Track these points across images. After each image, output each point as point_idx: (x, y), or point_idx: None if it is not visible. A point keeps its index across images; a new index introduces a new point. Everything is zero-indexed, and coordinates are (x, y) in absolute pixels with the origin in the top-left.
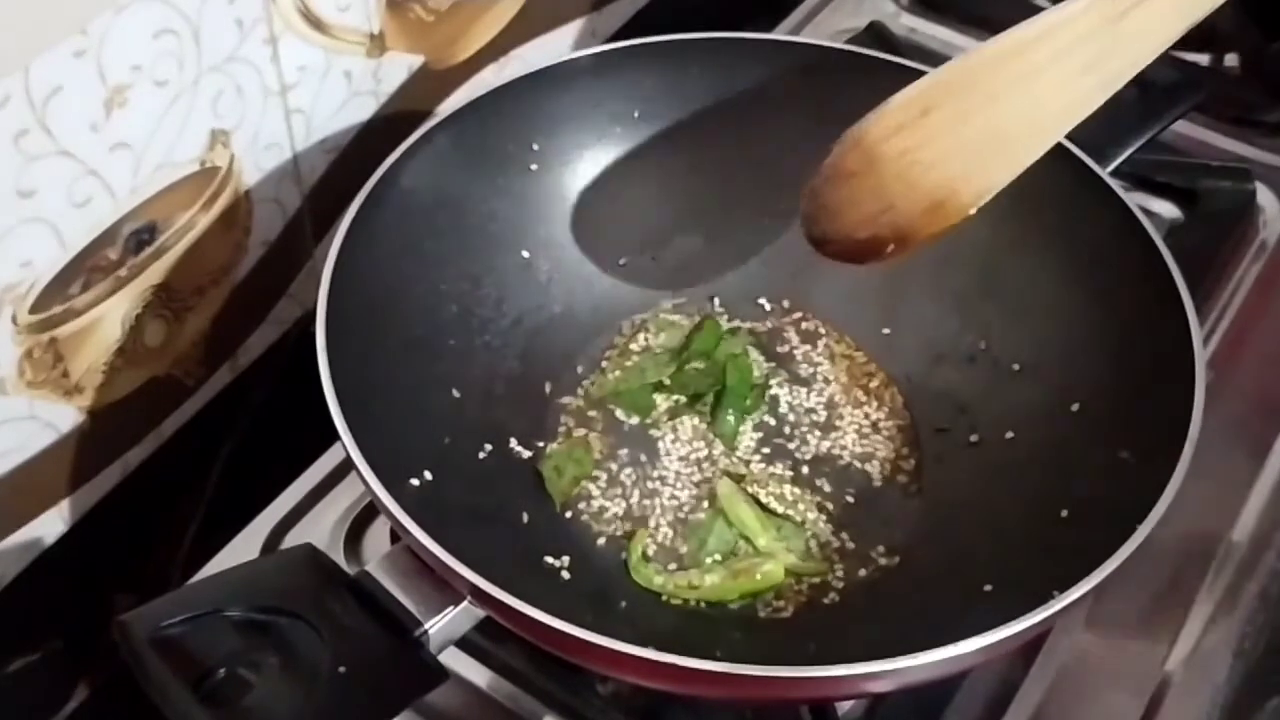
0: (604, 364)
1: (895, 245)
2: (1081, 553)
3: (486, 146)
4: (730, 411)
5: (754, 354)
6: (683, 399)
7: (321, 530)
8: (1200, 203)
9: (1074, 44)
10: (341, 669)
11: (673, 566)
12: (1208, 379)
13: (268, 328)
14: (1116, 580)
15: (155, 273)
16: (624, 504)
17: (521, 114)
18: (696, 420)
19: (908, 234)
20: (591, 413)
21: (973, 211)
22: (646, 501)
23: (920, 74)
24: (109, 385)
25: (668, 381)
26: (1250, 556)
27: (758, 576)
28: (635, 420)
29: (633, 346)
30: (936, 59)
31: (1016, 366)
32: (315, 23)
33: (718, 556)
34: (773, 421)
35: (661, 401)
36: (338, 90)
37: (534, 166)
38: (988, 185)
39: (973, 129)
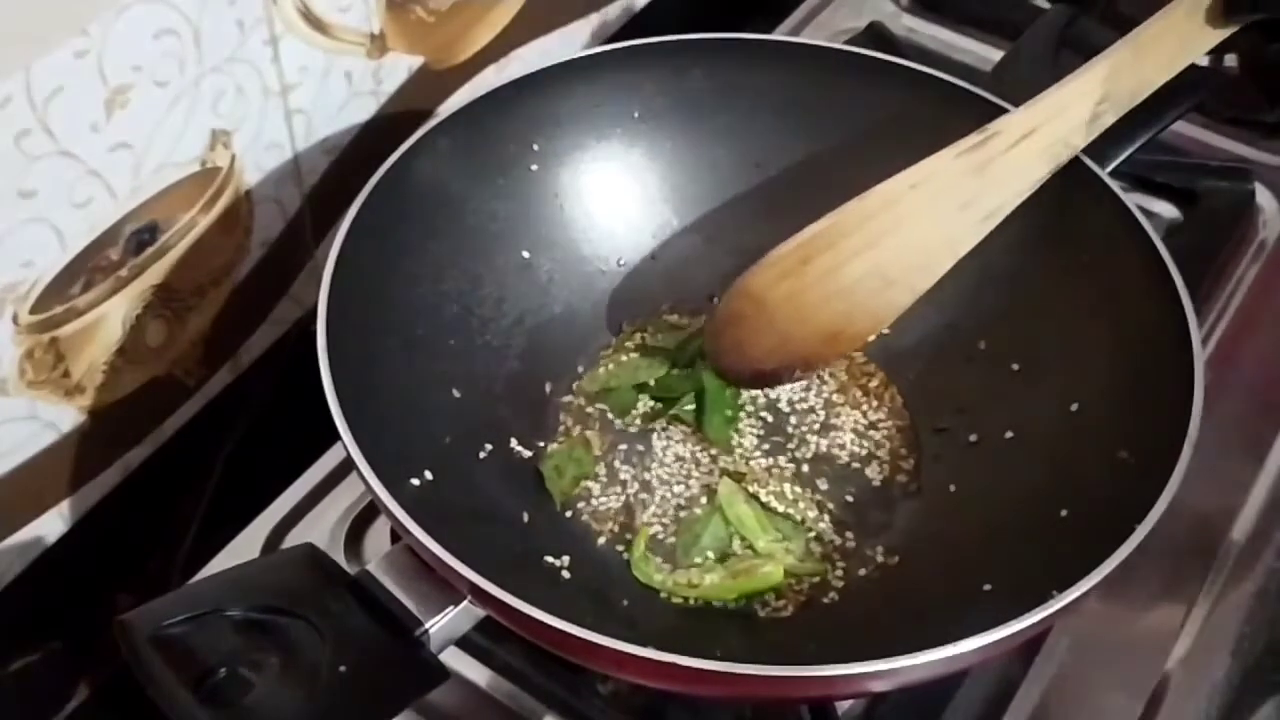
0: (599, 361)
1: (801, 369)
2: (1080, 552)
3: (487, 147)
4: (716, 415)
5: None
6: (660, 403)
7: (322, 530)
8: (1199, 203)
9: (944, 190)
10: (342, 668)
11: (671, 565)
12: (1207, 379)
13: (268, 328)
14: (1115, 580)
15: (156, 273)
16: (624, 503)
17: (522, 114)
18: (688, 421)
19: (810, 360)
20: (591, 412)
21: (870, 339)
22: (647, 500)
23: (921, 74)
24: (110, 385)
25: (652, 383)
26: (1249, 556)
27: (757, 576)
28: (634, 419)
29: (629, 344)
30: (936, 59)
31: (1016, 366)
32: (316, 23)
33: (711, 555)
34: (772, 421)
35: (642, 404)
36: (338, 91)
37: (534, 167)
38: (882, 316)
39: (855, 271)
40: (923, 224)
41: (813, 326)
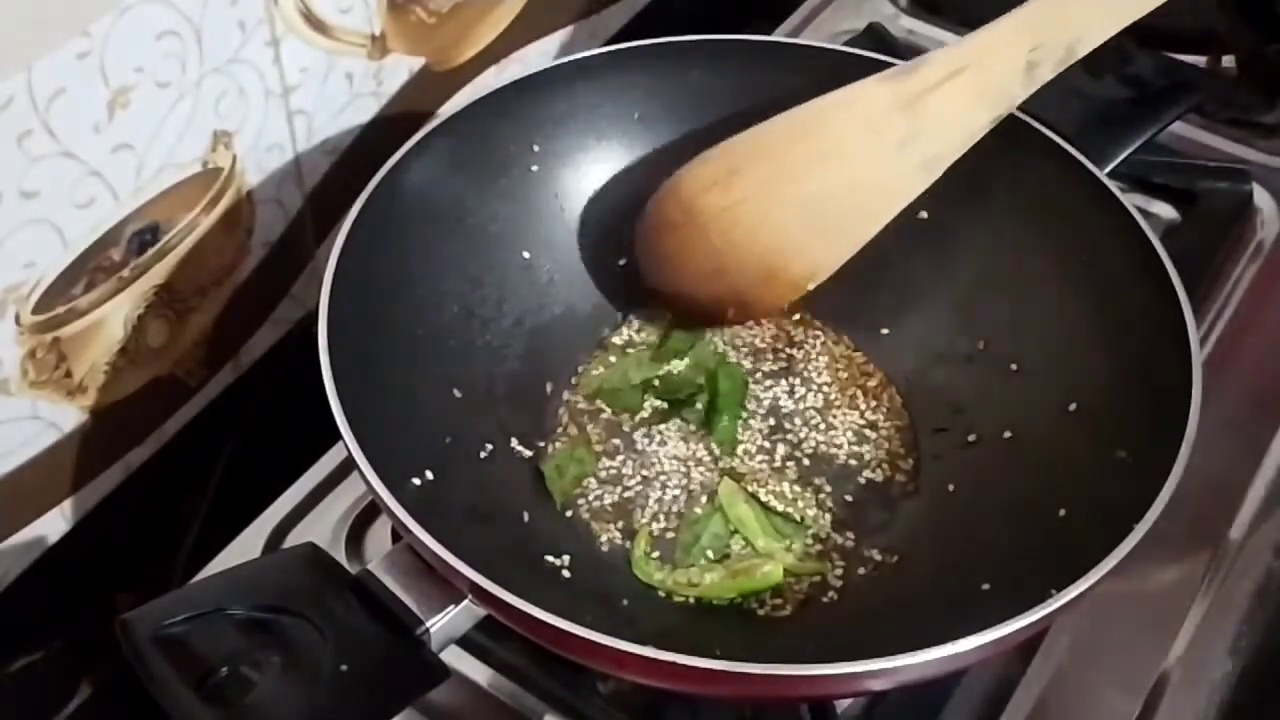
0: (598, 361)
1: (735, 310)
2: (1079, 552)
3: (487, 148)
4: (725, 418)
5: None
6: (668, 404)
7: (323, 529)
8: (1198, 203)
9: (875, 120)
10: (343, 667)
11: (671, 565)
12: (1205, 379)
13: (270, 328)
14: (1114, 579)
15: (158, 273)
16: (625, 502)
17: (522, 115)
18: (692, 420)
19: (746, 301)
20: (592, 411)
21: (810, 288)
22: (647, 499)
23: None
24: (112, 385)
25: (656, 382)
26: (1247, 555)
27: (757, 576)
28: (634, 419)
29: (616, 341)
30: None
31: (1014, 366)
32: (317, 25)
33: (710, 554)
34: (772, 421)
35: (649, 403)
36: (339, 92)
37: (535, 168)
38: (820, 262)
39: (789, 197)
40: (858, 157)
41: (751, 255)
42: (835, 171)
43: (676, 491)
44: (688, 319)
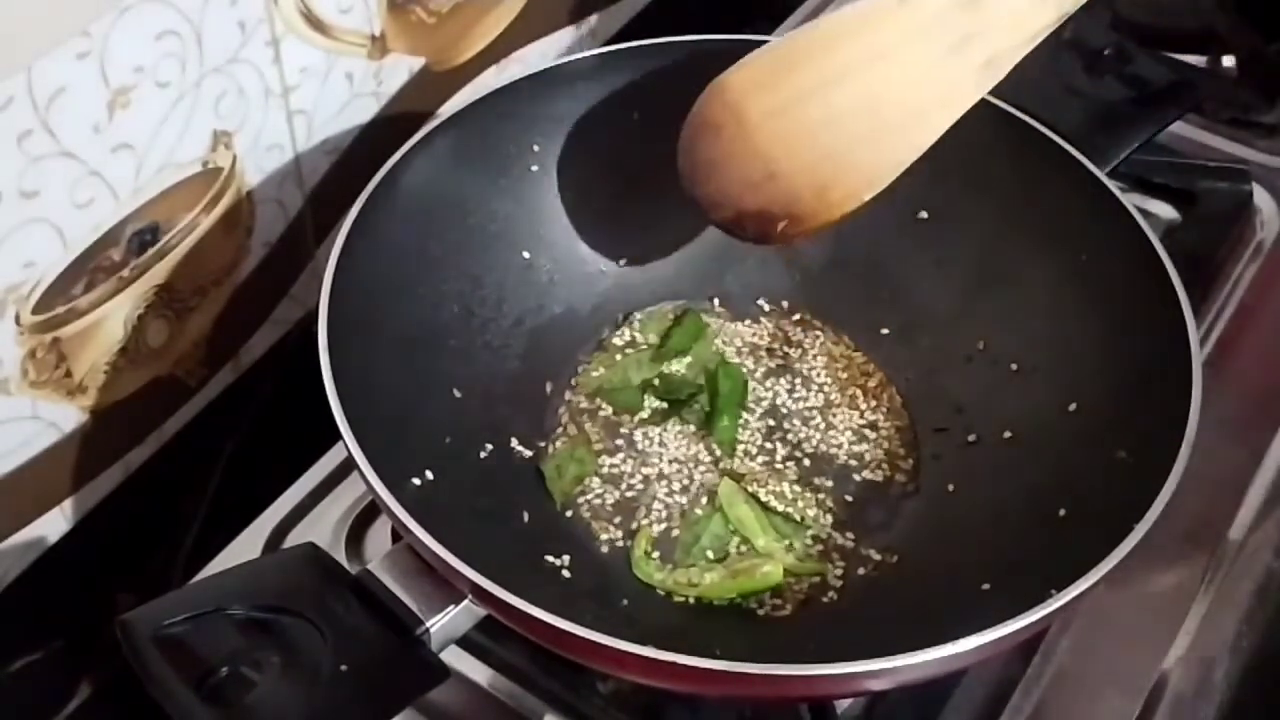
0: (598, 361)
1: (787, 223)
2: (1079, 551)
3: (487, 148)
4: (725, 418)
5: (729, 350)
6: (668, 404)
7: (323, 529)
8: (1197, 203)
9: (928, 24)
10: (343, 667)
11: (671, 565)
12: (1205, 379)
13: (270, 328)
14: (1114, 579)
15: (158, 273)
16: (625, 502)
17: (522, 115)
18: (693, 421)
19: (798, 213)
20: (592, 411)
21: (867, 198)
22: (647, 499)
23: None
24: (111, 385)
25: (657, 382)
26: (1247, 555)
27: (757, 576)
28: (634, 419)
29: (616, 341)
30: None
31: (1014, 366)
32: (317, 24)
33: (710, 555)
34: (772, 421)
35: (650, 402)
36: (339, 92)
37: (534, 167)
38: (877, 171)
39: (843, 100)
40: (913, 58)
41: (800, 162)
42: (889, 73)
43: (676, 492)
44: (735, 234)
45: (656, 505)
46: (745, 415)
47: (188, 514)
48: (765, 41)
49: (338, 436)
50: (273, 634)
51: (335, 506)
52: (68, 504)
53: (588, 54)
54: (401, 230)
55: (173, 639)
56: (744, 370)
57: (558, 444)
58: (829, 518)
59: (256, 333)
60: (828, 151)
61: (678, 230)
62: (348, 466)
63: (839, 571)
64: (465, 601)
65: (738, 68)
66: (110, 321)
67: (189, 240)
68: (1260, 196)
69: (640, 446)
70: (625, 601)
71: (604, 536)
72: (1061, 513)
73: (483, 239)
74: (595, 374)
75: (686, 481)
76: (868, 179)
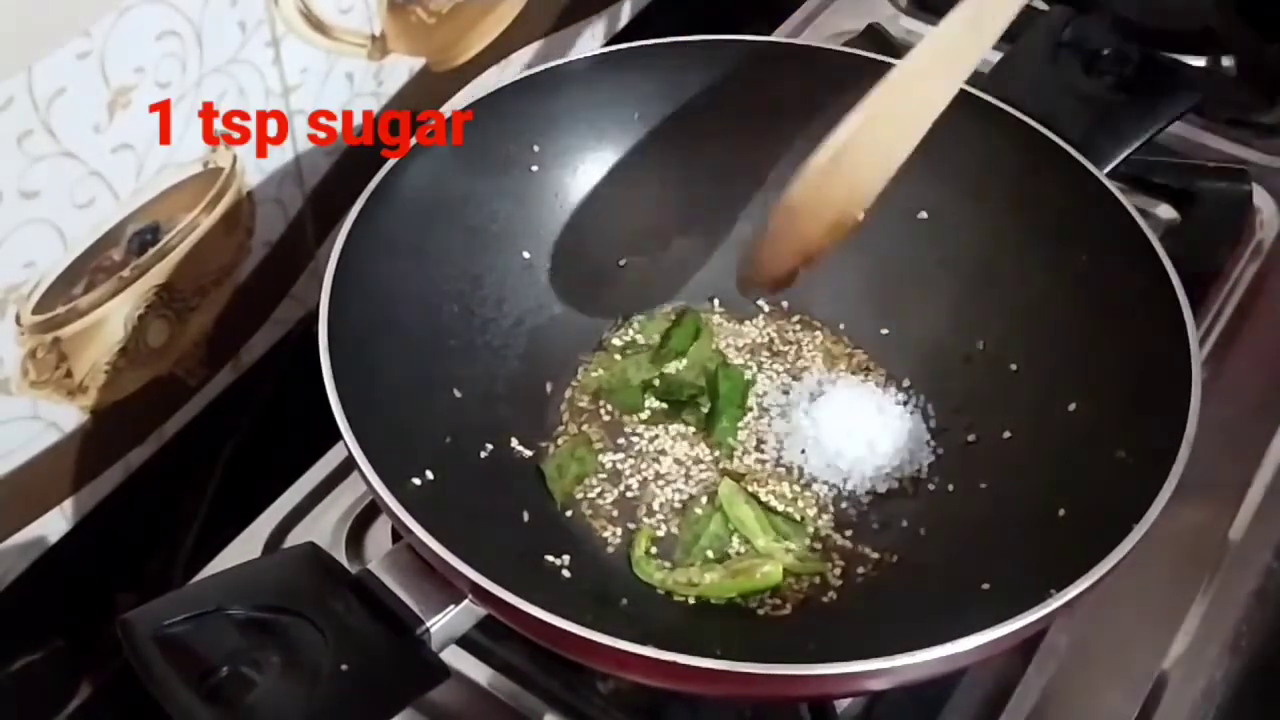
0: (590, 360)
1: (805, 266)
2: (1078, 551)
3: (487, 148)
4: (725, 419)
5: (729, 350)
6: (668, 405)
7: (323, 529)
8: (1197, 204)
9: (948, 54)
10: (344, 667)
11: (671, 564)
12: (1204, 379)
13: (270, 328)
14: (1113, 579)
15: (158, 273)
16: (625, 502)
17: (522, 116)
18: (692, 421)
19: (814, 255)
20: (592, 411)
21: (860, 218)
22: (647, 499)
23: None
24: (112, 385)
25: (657, 383)
26: (1246, 555)
27: (757, 577)
28: (634, 419)
29: (616, 341)
30: None
31: (1014, 366)
32: (317, 25)
33: (710, 554)
34: (772, 421)
35: (650, 403)
36: (340, 92)
37: (535, 168)
38: (870, 193)
39: (874, 155)
40: (924, 91)
41: (824, 220)
42: (906, 114)
43: (676, 491)
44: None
45: (657, 505)
46: (745, 415)
47: (188, 514)
48: (765, 41)
49: (338, 436)
50: (273, 634)
51: (335, 506)
52: (68, 504)
53: (588, 54)
54: (401, 230)
55: (173, 639)
56: (744, 370)
57: (558, 444)
58: (829, 518)
59: (257, 333)
60: (845, 199)
61: (678, 230)
62: (348, 466)
63: (839, 571)
64: (465, 601)
65: (801, 184)
66: (111, 321)
67: (189, 240)
68: (1260, 196)
69: (640, 446)
70: (625, 601)
71: (604, 536)
72: (1061, 513)
73: (483, 239)
74: (595, 374)
75: (686, 481)
76: (864, 202)
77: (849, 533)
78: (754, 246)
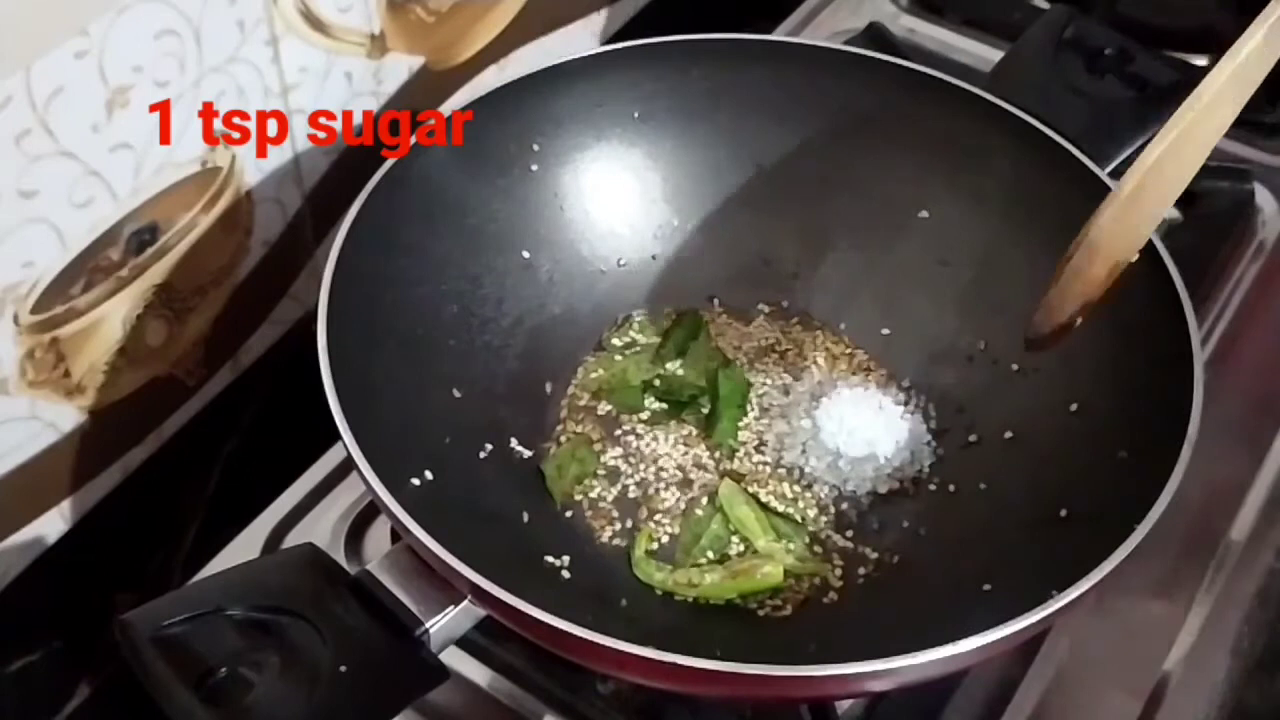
0: (590, 360)
1: (1083, 314)
2: (1080, 552)
3: (487, 147)
4: (726, 419)
5: (729, 350)
6: (669, 405)
7: (322, 530)
8: (1198, 203)
9: (1246, 73)
10: (342, 668)
11: (671, 565)
12: (1206, 379)
13: (269, 328)
14: (1115, 579)
15: (157, 273)
16: (625, 502)
17: (522, 115)
18: (693, 421)
19: (1091, 303)
20: (592, 412)
21: (1134, 260)
22: (647, 499)
23: (920, 74)
24: (110, 385)
25: (657, 383)
26: (1248, 555)
27: (757, 577)
28: (634, 419)
29: (616, 341)
30: (936, 60)
31: (1015, 366)
32: (316, 24)
33: (711, 554)
34: (772, 421)
35: (650, 403)
36: (339, 91)
37: (534, 167)
38: (1149, 232)
39: (1169, 183)
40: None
41: (1115, 257)
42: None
43: (677, 492)
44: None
45: (657, 505)
46: (745, 416)
47: (187, 514)
48: (765, 40)
49: (337, 436)
50: (272, 634)
51: (335, 507)
52: (66, 504)
53: (588, 53)
54: (401, 230)
55: (172, 639)
56: (744, 371)
57: (558, 444)
58: (829, 518)
59: (255, 333)
60: (1129, 239)
61: (678, 230)
62: (347, 466)
63: (839, 572)
64: (465, 602)
65: (1110, 207)
66: (109, 321)
67: (188, 240)
68: (1261, 196)
69: (640, 447)
70: (625, 601)
71: (604, 537)
72: (1062, 513)
73: (482, 238)
74: (595, 374)
75: (687, 482)
76: (1142, 241)
77: (849, 533)
78: (1048, 295)
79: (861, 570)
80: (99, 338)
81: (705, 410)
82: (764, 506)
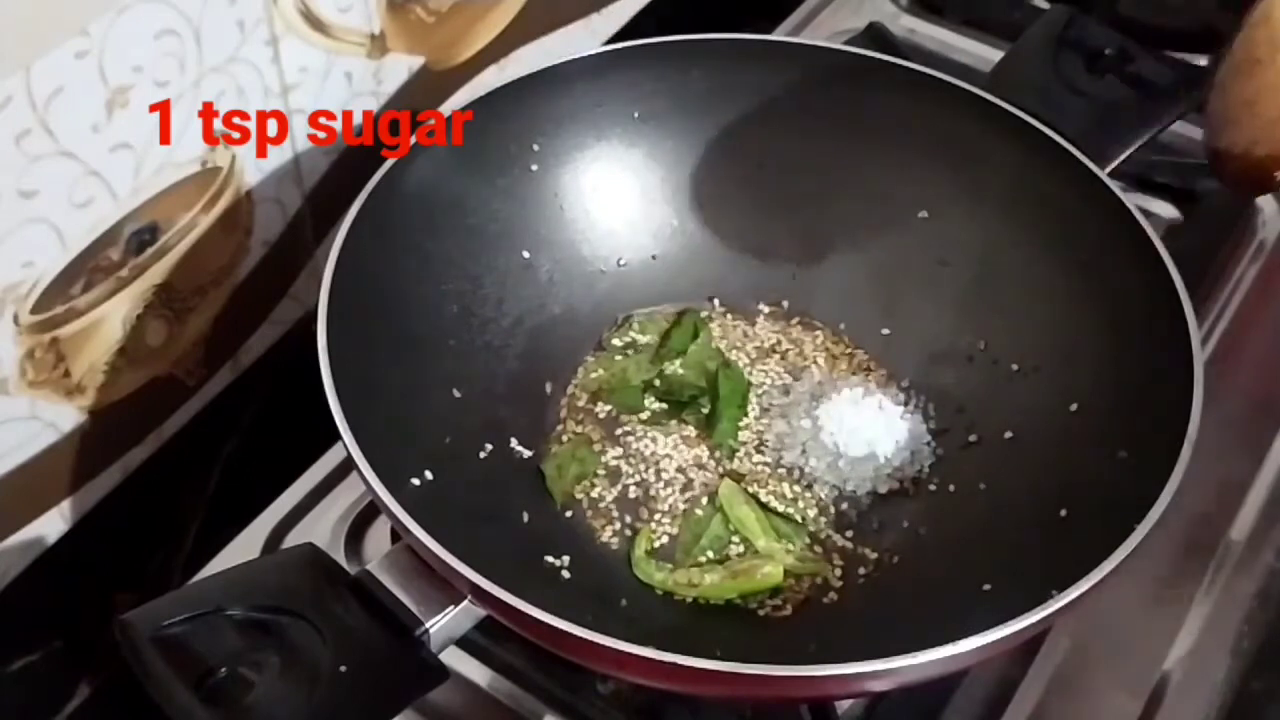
0: (597, 360)
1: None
2: (1080, 552)
3: (487, 147)
4: (726, 419)
5: (729, 350)
6: (669, 405)
7: (322, 530)
8: (1199, 203)
9: None
10: (342, 668)
11: (671, 565)
12: (1206, 379)
13: (269, 328)
14: (1115, 579)
15: (157, 273)
16: (625, 502)
17: (522, 115)
18: (693, 421)
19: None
20: (592, 411)
21: None
22: (647, 500)
23: (920, 74)
24: (110, 385)
25: (657, 383)
26: (1248, 555)
27: (757, 577)
28: (634, 419)
29: (616, 341)
30: (936, 60)
31: (1015, 366)
32: (316, 24)
33: (711, 554)
34: (772, 421)
35: (650, 403)
36: (339, 91)
37: (534, 167)
38: None
39: None
40: None
41: None
42: None
43: (677, 492)
44: (1239, 187)
45: (657, 505)
46: (745, 416)
47: (187, 514)
48: (765, 40)
49: (337, 436)
50: (272, 634)
51: (335, 507)
52: (66, 504)
53: (588, 53)
54: (401, 230)
55: (172, 639)
56: (744, 371)
57: (558, 444)
58: (829, 518)
59: (255, 333)
60: None
61: (678, 230)
62: (347, 466)
63: (839, 572)
64: (465, 602)
65: None
66: (109, 321)
67: (188, 240)
68: (1262, 196)
69: (640, 447)
70: (625, 601)
71: (604, 537)
72: (1062, 513)
73: (482, 238)
74: (595, 374)
75: (687, 482)
76: None
77: (849, 533)
78: (1228, 64)
79: (861, 570)
80: (99, 338)
81: (705, 410)
82: (764, 506)
